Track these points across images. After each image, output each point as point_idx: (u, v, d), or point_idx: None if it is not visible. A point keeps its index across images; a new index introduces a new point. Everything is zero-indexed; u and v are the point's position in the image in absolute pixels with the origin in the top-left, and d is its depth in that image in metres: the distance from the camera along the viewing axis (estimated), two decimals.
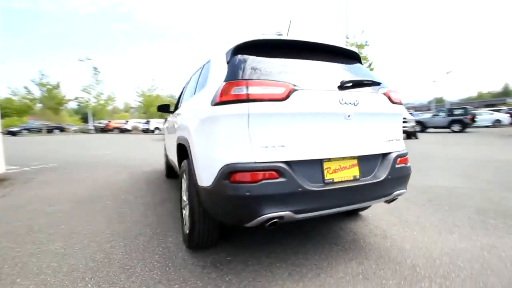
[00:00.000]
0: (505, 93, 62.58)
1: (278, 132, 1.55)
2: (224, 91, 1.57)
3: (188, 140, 1.90)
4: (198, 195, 1.83)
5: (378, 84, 1.91)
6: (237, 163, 1.51)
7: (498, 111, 24.52)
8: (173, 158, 3.06)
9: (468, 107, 18.99)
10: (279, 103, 1.53)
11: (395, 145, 1.96)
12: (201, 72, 2.45)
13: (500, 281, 1.66)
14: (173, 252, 2.10)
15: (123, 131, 30.01)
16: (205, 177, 1.66)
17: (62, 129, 32.65)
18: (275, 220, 1.52)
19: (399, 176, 1.91)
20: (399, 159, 1.93)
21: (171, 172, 4.65)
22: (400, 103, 1.99)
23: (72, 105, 43.85)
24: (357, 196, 1.76)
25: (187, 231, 2.04)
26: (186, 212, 2.20)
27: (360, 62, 2.22)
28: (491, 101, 52.93)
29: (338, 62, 2.02)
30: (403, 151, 2.00)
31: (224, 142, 1.57)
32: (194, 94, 2.36)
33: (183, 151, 2.35)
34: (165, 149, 4.63)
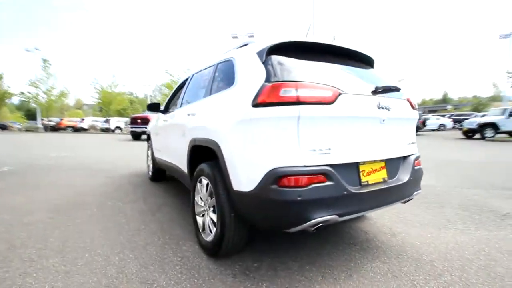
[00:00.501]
0: (445, 100, 70.87)
1: (326, 136, 1.55)
2: (270, 92, 1.52)
3: (219, 142, 1.79)
4: (230, 201, 1.75)
5: (399, 90, 2.02)
6: (286, 167, 1.48)
7: (443, 116, 27.69)
8: (176, 160, 2.88)
9: (419, 112, 21.11)
10: (327, 107, 1.53)
11: (413, 148, 2.09)
12: (215, 71, 2.34)
13: (506, 271, 1.87)
14: (194, 261, 1.97)
15: (78, 130, 27.43)
16: (245, 181, 1.59)
17: (4, 127, 28.72)
18: (321, 224, 1.51)
19: (417, 177, 2.04)
20: (416, 161, 2.06)
21: (159, 175, 4.38)
22: (416, 109, 2.14)
23: (14, 100, 38.84)
24: (387, 197, 1.83)
25: (211, 239, 1.94)
26: (205, 218, 2.09)
27: (373, 67, 2.32)
28: (433, 107, 59.42)
29: (360, 67, 2.09)
30: (418, 154, 2.14)
31: (270, 145, 1.52)
32: (210, 93, 2.25)
33: (200, 153, 2.23)
34: (151, 151, 4.33)
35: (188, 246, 2.21)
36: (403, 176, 1.94)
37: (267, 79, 1.61)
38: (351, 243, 2.28)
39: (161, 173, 4.40)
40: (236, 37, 19.76)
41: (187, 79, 3.36)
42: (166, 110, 3.88)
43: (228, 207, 1.77)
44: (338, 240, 2.34)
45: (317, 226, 1.51)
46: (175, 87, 3.71)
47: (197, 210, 2.26)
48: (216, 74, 2.31)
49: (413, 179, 1.97)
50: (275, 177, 1.47)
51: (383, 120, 1.76)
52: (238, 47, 2.31)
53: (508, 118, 14.06)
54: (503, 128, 13.79)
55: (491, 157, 7.62)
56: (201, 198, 2.21)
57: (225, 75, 2.17)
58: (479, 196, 3.61)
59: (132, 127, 14.68)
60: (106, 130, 25.41)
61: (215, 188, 1.86)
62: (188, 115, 2.48)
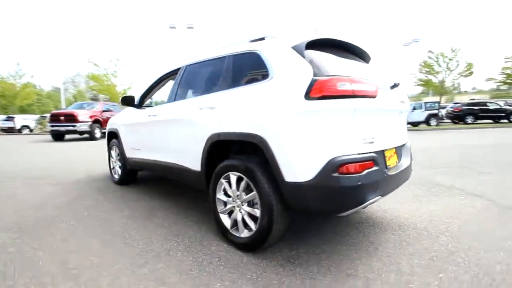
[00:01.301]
0: None
1: (371, 126, 1.73)
2: (327, 86, 1.60)
3: (265, 136, 1.77)
4: (277, 193, 1.78)
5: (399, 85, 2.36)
6: (344, 155, 1.60)
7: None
8: (176, 159, 2.65)
9: None
10: (372, 100, 1.71)
11: (406, 136, 2.48)
12: (230, 63, 2.25)
13: (476, 227, 2.42)
14: (234, 259, 1.92)
15: None
16: (302, 172, 1.65)
17: None
18: (369, 204, 1.70)
19: (411, 161, 2.44)
20: (410, 147, 2.46)
21: (130, 178, 3.93)
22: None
23: None
24: (400, 179, 2.14)
25: (250, 234, 1.92)
26: (235, 215, 2.05)
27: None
28: None
29: (366, 64, 2.35)
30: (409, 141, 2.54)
31: (328, 136, 1.61)
32: (232, 86, 2.16)
33: (221, 149, 2.16)
34: (120, 151, 3.83)
35: (216, 245, 2.12)
36: (406, 161, 2.29)
37: (316, 73, 1.68)
38: (359, 222, 2.57)
39: (132, 175, 3.96)
40: (174, 27, 18.62)
41: (173, 72, 3.11)
42: (140, 105, 3.51)
43: (276, 199, 1.79)
44: (345, 222, 2.60)
45: (366, 206, 1.69)
46: (155, 79, 3.38)
47: (221, 208, 2.18)
48: (234, 66, 2.24)
49: (411, 163, 2.35)
50: (336, 166, 1.58)
51: (401, 112, 2.05)
52: (254, 40, 2.29)
53: (412, 112, 17.46)
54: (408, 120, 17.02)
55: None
56: (226, 195, 2.14)
57: (250, 67, 2.13)
58: (428, 174, 4.45)
59: (52, 126, 12.38)
60: (9, 130, 20.67)
61: (257, 182, 1.84)
62: (201, 109, 2.33)
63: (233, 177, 2.04)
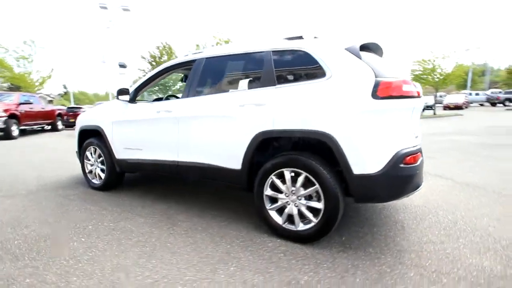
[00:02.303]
0: None
1: (417, 123, 2.01)
2: (393, 87, 1.81)
3: (332, 133, 1.87)
4: (341, 185, 1.92)
5: None
6: (406, 148, 1.85)
7: None
8: (204, 158, 2.50)
9: None
10: (419, 99, 1.99)
11: None
12: (271, 60, 2.25)
13: (456, 201, 3.05)
14: (298, 252, 1.99)
15: None
16: (371, 164, 1.83)
17: None
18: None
19: None
20: None
21: (116, 182, 3.47)
22: None
23: None
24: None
25: (311, 226, 2.03)
26: (291, 209, 2.12)
27: None
28: None
29: None
30: None
31: (394, 131, 1.84)
32: (279, 83, 2.16)
33: (267, 146, 2.18)
34: (107, 151, 3.32)
35: (271, 242, 2.14)
36: None
37: (377, 75, 1.87)
38: (372, 206, 2.92)
39: (119, 179, 3.50)
40: (105, 8, 16.37)
41: (182, 64, 2.88)
42: (134, 99, 3.14)
43: (341, 191, 1.93)
44: (363, 209, 2.92)
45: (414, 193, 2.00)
46: (155, 72, 3.05)
47: (270, 205, 2.20)
48: (277, 62, 2.24)
49: None
50: (402, 158, 1.81)
51: (423, 109, 2.42)
52: (291, 38, 2.34)
53: None
54: None
55: None
56: (276, 191, 2.17)
57: (299, 65, 2.19)
58: None
59: None
60: None
61: (320, 176, 1.94)
62: (243, 106, 2.26)
63: (287, 173, 2.09)
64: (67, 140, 9.77)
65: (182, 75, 3.91)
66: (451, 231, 2.32)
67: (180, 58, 2.94)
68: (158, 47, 17.91)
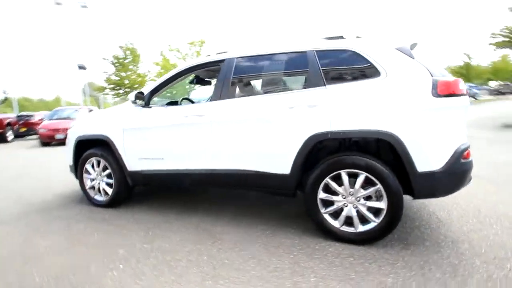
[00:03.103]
0: None
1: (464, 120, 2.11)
2: (452, 86, 1.88)
3: (395, 132, 1.87)
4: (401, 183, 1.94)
5: None
6: (463, 144, 1.93)
7: None
8: (244, 164, 2.34)
9: None
10: (468, 97, 2.09)
11: None
12: (316, 59, 2.19)
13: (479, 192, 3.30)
14: (365, 255, 1.95)
15: None
16: (434, 161, 1.88)
17: None
18: None
19: None
20: None
21: (126, 195, 3.11)
22: None
23: None
24: None
25: (371, 227, 2.02)
26: (349, 211, 2.08)
27: None
28: None
29: None
30: None
31: (453, 128, 1.91)
32: (330, 83, 2.11)
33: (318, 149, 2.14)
34: (115, 163, 2.94)
35: (330, 246, 2.08)
36: None
37: (432, 74, 1.93)
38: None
39: (129, 193, 3.14)
40: (59, 4, 14.81)
41: (205, 65, 2.69)
42: (148, 104, 2.85)
43: (401, 191, 1.95)
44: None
45: None
46: (173, 73, 2.79)
47: (325, 209, 2.14)
48: (323, 62, 2.19)
49: None
50: (461, 153, 1.89)
51: None
52: (331, 38, 2.31)
53: None
54: None
55: None
56: (331, 194, 2.12)
57: (348, 64, 2.16)
58: None
59: None
60: None
61: (383, 176, 1.93)
62: (292, 107, 2.16)
63: (344, 174, 2.05)
64: (25, 152, 8.61)
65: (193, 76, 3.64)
66: (481, 218, 2.49)
67: (202, 58, 2.73)
68: (121, 47, 16.69)
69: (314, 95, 2.15)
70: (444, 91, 1.88)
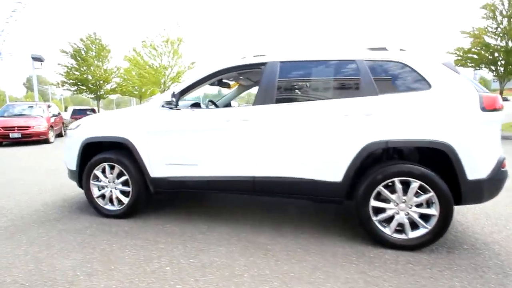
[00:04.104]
0: None
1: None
2: (496, 101, 2.06)
3: (449, 142, 1.99)
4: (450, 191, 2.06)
5: None
6: (501, 155, 2.12)
7: None
8: (296, 171, 2.28)
9: None
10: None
11: None
12: (363, 69, 2.24)
13: None
14: (420, 261, 2.03)
15: None
16: (481, 170, 2.03)
17: None
18: None
19: None
20: None
21: (143, 204, 2.81)
22: None
23: None
24: None
25: (429, 231, 2.09)
26: (400, 218, 2.14)
27: None
28: None
29: None
30: None
31: (495, 139, 2.09)
32: (382, 93, 2.17)
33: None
34: (141, 170, 2.63)
35: (384, 252, 2.12)
36: None
37: (477, 90, 2.10)
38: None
39: (147, 201, 2.84)
40: None
41: (243, 67, 2.58)
42: (177, 105, 2.63)
43: (452, 198, 2.07)
44: None
45: None
46: (207, 73, 2.61)
47: (377, 216, 2.18)
48: (374, 72, 2.24)
49: None
50: (501, 162, 2.07)
51: None
52: (374, 49, 2.39)
53: None
54: None
55: None
56: (383, 201, 2.17)
57: (397, 75, 2.24)
58: None
59: None
60: None
61: (436, 184, 2.03)
62: (347, 115, 2.16)
63: (398, 182, 2.11)
64: None
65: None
66: (495, 220, 2.77)
67: (238, 60, 2.60)
68: (82, 40, 15.17)
69: (369, 103, 2.19)
70: (489, 106, 2.05)
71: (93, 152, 2.83)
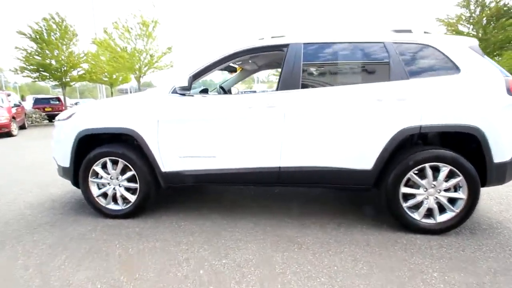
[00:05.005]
0: None
1: None
2: None
3: (480, 126, 1.98)
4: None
5: None
6: None
7: None
8: (326, 160, 2.17)
9: None
10: None
11: None
12: (393, 52, 2.16)
13: None
14: (452, 246, 2.04)
15: None
16: (507, 152, 2.07)
17: None
18: None
19: None
20: None
21: (151, 200, 2.55)
22: None
23: None
24: None
25: (456, 215, 2.11)
26: (429, 201, 2.14)
27: None
28: None
29: None
30: None
31: None
32: (412, 76, 2.12)
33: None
34: (152, 163, 2.37)
35: (415, 238, 2.12)
36: None
37: (502, 73, 2.11)
38: None
39: (155, 196, 2.59)
40: None
41: (263, 49, 2.38)
42: (189, 90, 2.38)
43: (479, 181, 2.09)
44: None
45: None
46: (221, 56, 2.36)
47: (406, 202, 2.16)
48: (402, 55, 2.16)
49: None
50: None
51: None
52: (399, 31, 2.31)
53: None
54: None
55: None
56: (414, 187, 2.15)
57: (426, 59, 2.18)
58: None
59: None
60: None
61: (465, 168, 2.04)
62: (380, 100, 2.07)
63: (428, 168, 2.10)
64: None
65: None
66: (498, 199, 2.90)
67: (255, 41, 2.38)
68: (45, 19, 13.51)
69: (401, 88, 2.11)
70: None
71: (91, 145, 2.50)
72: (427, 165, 2.10)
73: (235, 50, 2.38)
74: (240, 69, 3.55)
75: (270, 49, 2.39)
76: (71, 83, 15.99)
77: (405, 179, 2.14)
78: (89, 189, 2.51)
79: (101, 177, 2.49)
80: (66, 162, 2.54)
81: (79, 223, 2.45)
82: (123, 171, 2.46)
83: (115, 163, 2.46)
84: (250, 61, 3.17)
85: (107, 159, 2.44)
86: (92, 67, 15.01)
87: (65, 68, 14.51)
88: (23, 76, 14.26)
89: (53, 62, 14.04)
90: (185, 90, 2.31)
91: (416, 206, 2.20)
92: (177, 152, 2.35)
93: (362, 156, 2.17)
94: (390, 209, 2.21)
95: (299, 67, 2.25)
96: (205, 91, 2.88)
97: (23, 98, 25.32)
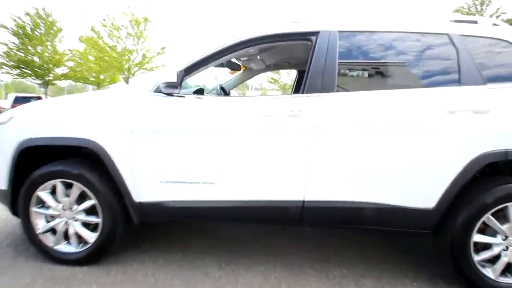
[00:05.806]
0: None
1: None
2: None
3: None
4: None
5: None
6: None
7: None
8: (363, 192, 1.53)
9: None
10: None
11: None
12: (467, 49, 1.57)
13: None
14: None
15: None
16: None
17: None
18: None
19: None
20: None
21: (112, 244, 1.84)
22: None
23: None
24: None
25: None
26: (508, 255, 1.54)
27: None
28: None
29: None
30: None
31: None
32: (490, 81, 1.54)
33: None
34: (121, 190, 1.66)
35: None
36: None
37: None
38: None
39: (124, 235, 1.87)
40: None
41: (279, 37, 1.75)
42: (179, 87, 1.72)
43: None
44: None
45: None
46: (215, 48, 1.71)
47: (479, 255, 1.55)
48: (473, 52, 1.57)
49: None
50: None
51: None
52: (462, 21, 1.73)
53: None
54: None
55: None
56: (491, 235, 1.54)
57: (501, 58, 1.61)
58: None
59: None
60: None
61: None
62: (453, 112, 1.46)
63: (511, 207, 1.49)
64: None
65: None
66: None
67: (268, 28, 1.75)
68: (29, 14, 12.63)
69: (479, 96, 1.51)
70: None
71: (36, 161, 1.78)
72: (510, 204, 1.50)
73: (241, 38, 1.72)
74: (244, 68, 2.92)
75: (290, 37, 1.75)
76: (54, 82, 15.02)
77: (479, 223, 1.53)
78: (31, 223, 1.78)
79: (49, 207, 1.77)
80: (1, 183, 1.81)
81: (15, 272, 1.70)
82: (80, 199, 1.75)
83: (69, 187, 1.75)
84: (258, 57, 2.54)
85: (57, 181, 1.72)
86: (77, 65, 14.13)
87: (48, 66, 13.58)
88: (2, 73, 13.25)
89: (36, 58, 13.09)
90: (173, 88, 1.63)
91: (490, 261, 1.59)
92: (157, 175, 1.65)
93: (422, 189, 1.53)
94: (455, 263, 1.58)
95: (334, 62, 1.61)
96: (200, 91, 2.21)
97: (6, 96, 24.13)
